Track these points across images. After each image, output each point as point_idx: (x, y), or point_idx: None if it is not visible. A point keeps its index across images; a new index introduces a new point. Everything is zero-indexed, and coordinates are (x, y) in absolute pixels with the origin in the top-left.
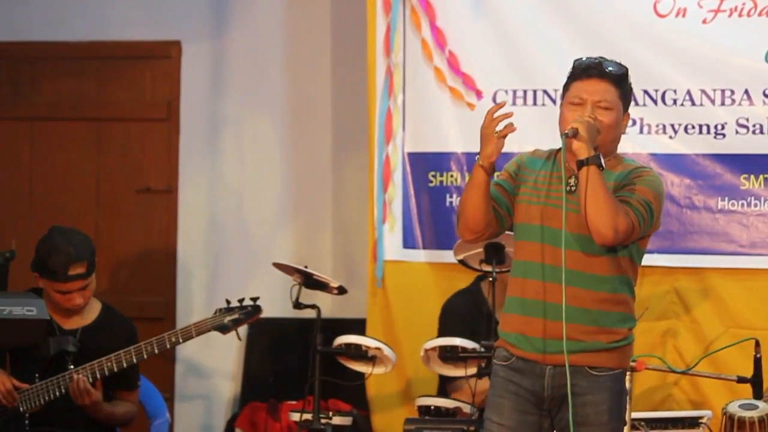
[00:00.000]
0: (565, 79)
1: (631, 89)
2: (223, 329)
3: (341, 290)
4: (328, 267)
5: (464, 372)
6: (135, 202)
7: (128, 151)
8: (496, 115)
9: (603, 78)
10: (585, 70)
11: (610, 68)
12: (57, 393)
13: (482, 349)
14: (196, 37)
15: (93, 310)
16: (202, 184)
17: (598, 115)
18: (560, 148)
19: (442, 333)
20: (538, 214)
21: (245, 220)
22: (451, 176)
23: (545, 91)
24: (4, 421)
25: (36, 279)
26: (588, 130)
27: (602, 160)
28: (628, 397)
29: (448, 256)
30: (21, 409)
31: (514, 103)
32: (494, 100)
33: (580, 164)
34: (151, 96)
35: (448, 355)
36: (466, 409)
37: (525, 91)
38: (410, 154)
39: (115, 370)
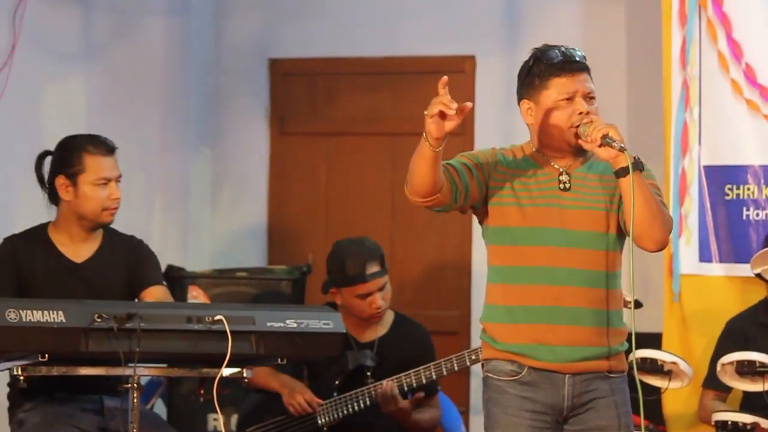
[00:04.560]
0: None
1: None
2: None
3: (637, 304)
4: (623, 281)
5: (762, 387)
6: (429, 215)
7: None
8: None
9: (585, 70)
10: (569, 64)
11: (584, 59)
12: (356, 407)
13: None
14: (490, 52)
15: (386, 322)
16: None
17: (590, 108)
18: (524, 144)
19: (716, 351)
20: (536, 215)
21: None
22: (748, 189)
23: None
24: None
25: (332, 295)
26: (618, 132)
27: (643, 163)
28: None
29: (745, 270)
30: (319, 422)
31: None
32: None
33: (625, 172)
34: None
35: (746, 369)
36: (765, 424)
37: None
38: (706, 167)
39: (414, 386)
